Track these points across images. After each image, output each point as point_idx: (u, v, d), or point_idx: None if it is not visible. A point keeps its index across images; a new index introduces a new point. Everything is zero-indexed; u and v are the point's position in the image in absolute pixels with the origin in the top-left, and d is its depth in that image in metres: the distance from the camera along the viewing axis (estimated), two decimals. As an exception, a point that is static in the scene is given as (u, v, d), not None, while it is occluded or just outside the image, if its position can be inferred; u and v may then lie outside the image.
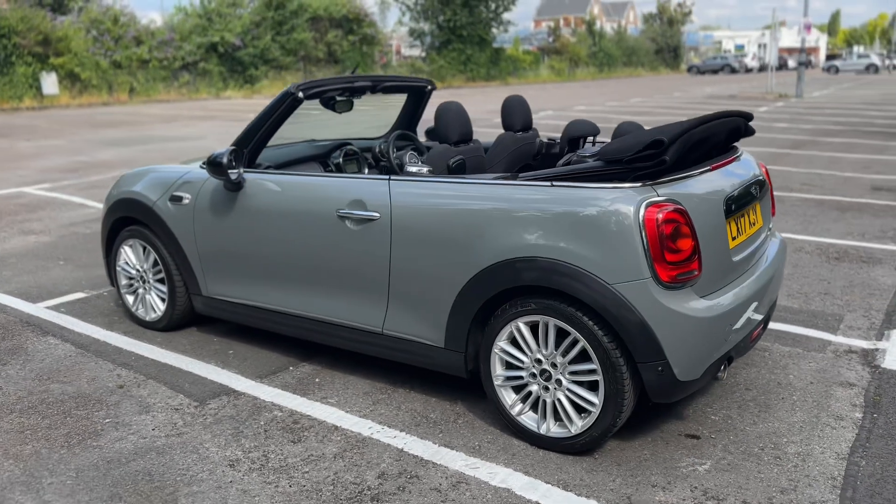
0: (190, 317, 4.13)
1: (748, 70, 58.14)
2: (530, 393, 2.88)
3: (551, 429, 2.84)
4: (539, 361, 2.82)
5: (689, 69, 58.73)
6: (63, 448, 2.96)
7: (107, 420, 3.19)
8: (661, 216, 2.56)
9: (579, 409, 2.78)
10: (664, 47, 67.73)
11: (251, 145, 3.68)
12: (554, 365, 2.78)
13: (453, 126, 3.59)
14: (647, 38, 66.96)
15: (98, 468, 2.81)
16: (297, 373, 3.64)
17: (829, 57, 66.85)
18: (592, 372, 2.69)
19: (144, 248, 4.14)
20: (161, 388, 3.49)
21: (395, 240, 3.09)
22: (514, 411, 2.92)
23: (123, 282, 4.31)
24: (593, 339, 2.64)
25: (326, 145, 4.37)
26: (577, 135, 3.79)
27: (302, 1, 33.61)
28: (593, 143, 3.82)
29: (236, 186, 3.62)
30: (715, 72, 55.12)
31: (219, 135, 14.70)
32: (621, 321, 2.57)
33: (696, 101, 23.98)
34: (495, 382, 2.94)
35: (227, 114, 20.66)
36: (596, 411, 2.70)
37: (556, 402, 2.81)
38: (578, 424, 2.76)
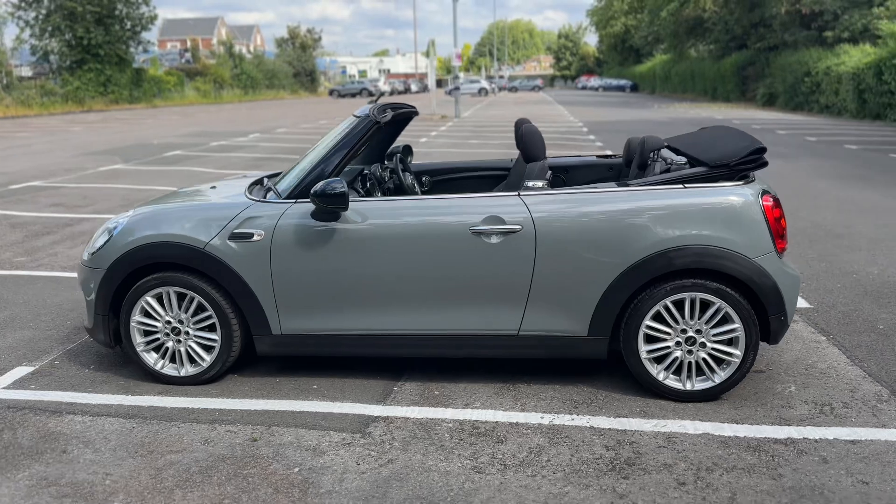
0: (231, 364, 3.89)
1: (382, 94, 63.35)
2: (672, 360, 3.55)
3: (695, 385, 3.55)
4: (684, 331, 3.51)
5: (331, 93, 61.92)
6: (302, 501, 2.80)
7: (300, 469, 3.04)
8: (770, 203, 3.47)
9: (719, 362, 3.54)
10: (301, 71, 70.14)
11: (334, 173, 3.70)
12: (699, 331, 3.51)
13: (540, 145, 4.05)
14: (283, 61, 68.61)
15: (374, 499, 2.76)
16: (409, 389, 3.76)
17: (440, 82, 75.52)
18: (733, 331, 3.48)
19: (182, 296, 3.77)
20: (300, 432, 3.35)
21: (539, 249, 3.51)
22: (661, 378, 3.57)
23: (140, 339, 3.84)
24: (737, 304, 3.44)
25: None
26: (653, 148, 4.19)
27: None
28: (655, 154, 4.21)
29: (334, 216, 3.61)
30: (353, 95, 58.86)
31: None
32: (761, 286, 3.42)
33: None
34: (642, 357, 3.56)
35: None
36: (737, 361, 3.50)
37: (701, 361, 3.54)
38: (722, 375, 3.53)
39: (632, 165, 4.30)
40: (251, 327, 3.78)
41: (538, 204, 3.56)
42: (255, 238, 3.68)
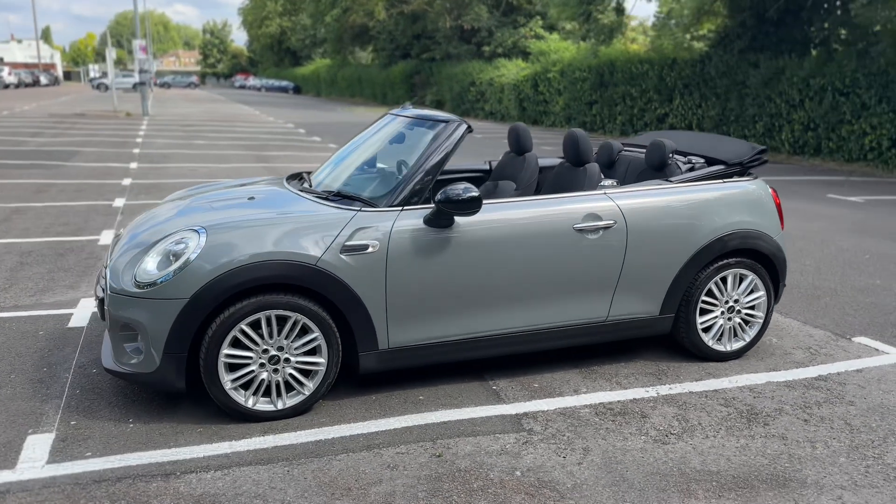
0: None
1: (6, 86, 55.05)
2: (717, 327, 4.25)
3: (732, 346, 4.30)
4: (727, 302, 4.24)
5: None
6: (557, 499, 2.87)
7: (521, 472, 3.06)
8: (773, 192, 4.37)
9: (747, 324, 4.33)
10: None
11: (433, 180, 3.67)
12: (736, 301, 4.26)
13: (590, 149, 4.36)
14: None
15: (620, 483, 2.95)
16: (508, 387, 3.88)
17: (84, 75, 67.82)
18: (759, 297, 4.29)
19: (282, 320, 3.38)
20: (470, 440, 3.32)
21: (630, 240, 3.93)
22: (710, 343, 4.25)
23: (228, 377, 3.34)
24: (763, 275, 4.26)
25: None
26: (671, 150, 4.51)
27: None
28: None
29: (450, 222, 3.58)
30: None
31: None
32: (779, 260, 4.30)
33: (45, 123, 22.55)
34: (698, 328, 4.20)
35: None
36: (760, 321, 4.33)
37: (736, 326, 4.29)
38: (751, 334, 4.33)
39: (638, 165, 4.86)
40: (358, 344, 3.54)
41: (622, 200, 3.97)
42: (370, 250, 3.46)
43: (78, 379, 3.85)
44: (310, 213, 3.57)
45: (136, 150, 14.85)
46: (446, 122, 3.86)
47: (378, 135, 4.41)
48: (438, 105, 37.03)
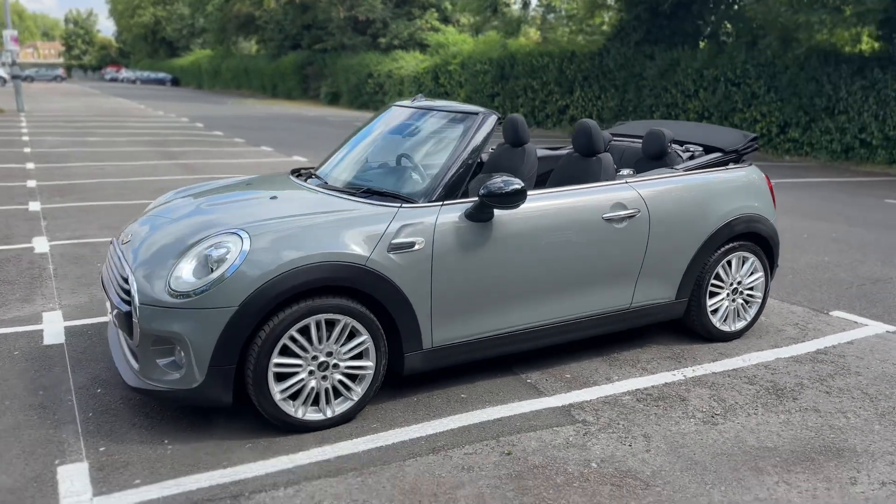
0: None
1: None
2: (723, 309, 4.41)
3: (736, 325, 4.48)
4: (731, 284, 4.41)
5: None
6: (643, 489, 2.90)
7: (597, 464, 3.06)
8: (766, 178, 4.58)
9: (748, 304, 4.52)
10: None
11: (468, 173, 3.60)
12: (740, 282, 4.44)
13: (601, 139, 4.37)
14: None
15: (697, 465, 3.01)
16: (542, 379, 3.87)
17: None
18: (759, 278, 4.49)
19: (330, 324, 3.21)
20: (533, 435, 3.29)
21: (652, 228, 4.01)
22: (717, 324, 4.40)
23: (278, 388, 3.15)
24: (761, 257, 4.46)
25: None
26: (671, 139, 4.61)
27: None
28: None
29: (490, 215, 3.52)
30: None
31: None
32: (776, 241, 4.51)
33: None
34: (707, 310, 4.35)
35: None
36: (759, 300, 4.53)
37: (739, 307, 4.47)
38: (751, 313, 4.53)
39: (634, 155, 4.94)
40: (403, 345, 3.42)
41: (642, 189, 4.03)
42: (417, 247, 3.35)
43: (85, 401, 3.51)
44: (350, 211, 3.40)
45: (27, 150, 13.68)
46: (475, 113, 3.78)
47: (389, 128, 4.27)
48: (335, 97, 36.46)
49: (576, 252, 3.80)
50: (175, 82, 61.90)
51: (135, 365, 3.24)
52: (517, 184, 3.43)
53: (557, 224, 3.75)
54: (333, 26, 36.21)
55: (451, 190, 3.52)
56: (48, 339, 4.26)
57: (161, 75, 63.51)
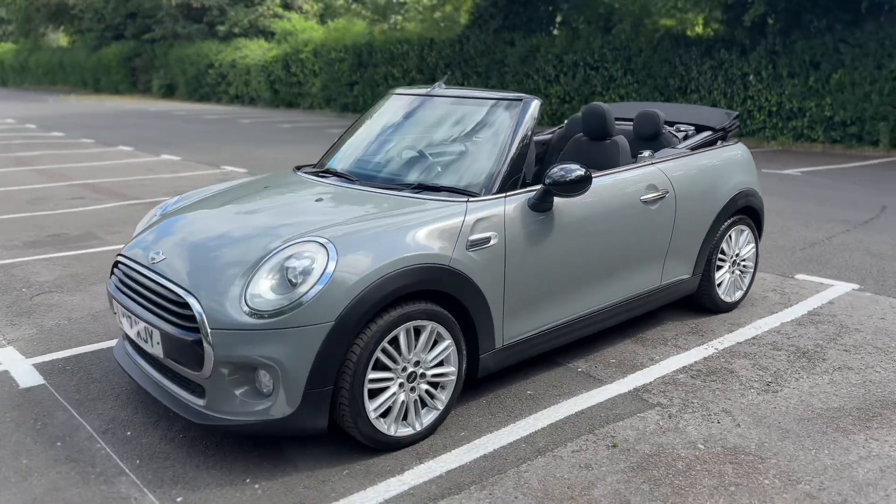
0: None
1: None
2: (727, 279, 4.59)
3: (735, 296, 4.68)
4: (731, 257, 4.60)
5: None
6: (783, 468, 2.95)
7: (704, 445, 3.07)
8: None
9: (743, 273, 4.72)
10: None
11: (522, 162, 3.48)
12: (738, 254, 4.64)
13: (613, 122, 4.32)
14: None
15: (791, 433, 3.10)
16: (591, 368, 3.83)
17: None
18: (752, 248, 4.71)
19: (416, 332, 2.97)
20: (620, 425, 3.24)
21: (679, 206, 4.08)
22: (723, 296, 4.58)
23: (371, 405, 2.87)
24: (753, 229, 4.69)
25: None
26: (664, 120, 4.67)
27: None
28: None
29: (550, 205, 3.41)
30: None
31: None
32: (763, 214, 4.75)
33: None
34: (715, 283, 4.50)
35: None
36: (752, 270, 4.76)
37: (737, 278, 4.67)
38: (745, 283, 4.74)
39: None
40: (480, 346, 3.23)
41: (669, 170, 4.09)
42: (493, 242, 3.17)
43: (119, 447, 3.01)
44: (419, 209, 3.15)
45: None
46: (519, 99, 3.63)
47: (412, 118, 3.99)
48: (169, 90, 34.20)
49: (621, 236, 3.79)
50: (-28, 80, 55.19)
51: (196, 400, 2.82)
52: (580, 170, 3.33)
53: (606, 209, 3.71)
54: (163, 14, 33.81)
55: (510, 180, 3.37)
56: (24, 382, 3.62)
57: (-46, 72, 56.33)
